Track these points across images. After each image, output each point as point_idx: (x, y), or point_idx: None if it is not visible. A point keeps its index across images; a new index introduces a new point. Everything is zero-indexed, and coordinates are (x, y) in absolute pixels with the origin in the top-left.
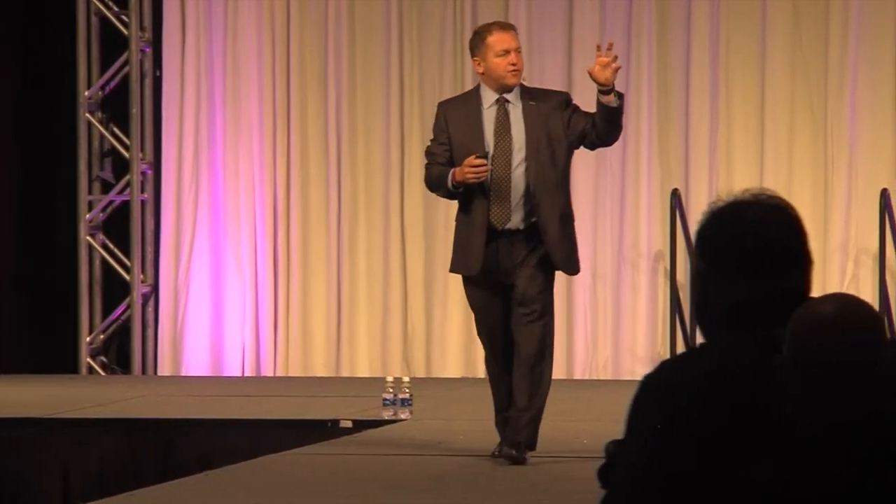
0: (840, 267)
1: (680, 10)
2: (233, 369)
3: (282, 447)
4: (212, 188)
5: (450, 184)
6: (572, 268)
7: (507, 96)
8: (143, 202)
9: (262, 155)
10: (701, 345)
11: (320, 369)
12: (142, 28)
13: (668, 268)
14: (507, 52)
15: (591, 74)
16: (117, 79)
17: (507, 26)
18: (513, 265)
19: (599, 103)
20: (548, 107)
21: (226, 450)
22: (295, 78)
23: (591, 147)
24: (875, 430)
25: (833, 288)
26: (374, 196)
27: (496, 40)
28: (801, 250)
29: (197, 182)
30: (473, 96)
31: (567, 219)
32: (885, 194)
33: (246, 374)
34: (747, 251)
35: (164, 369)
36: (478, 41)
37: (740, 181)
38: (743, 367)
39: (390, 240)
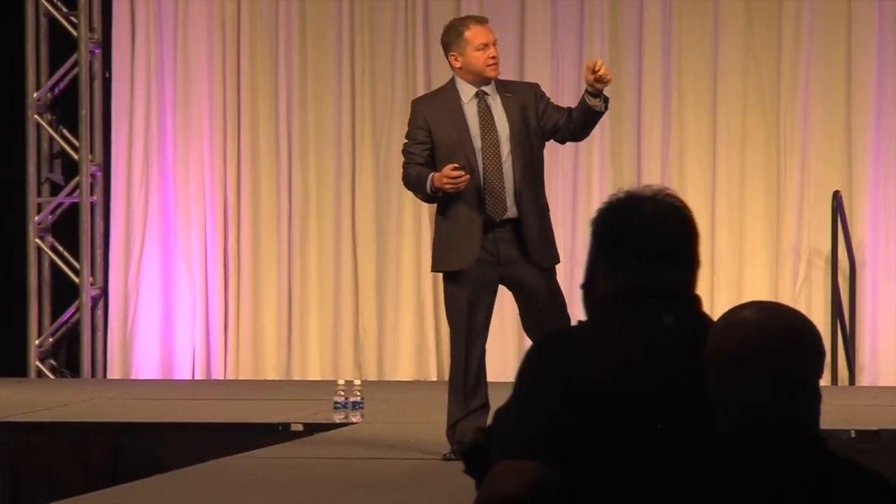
0: (792, 269)
1: (632, 11)
2: (183, 372)
3: (232, 450)
4: (162, 190)
5: (429, 188)
6: (553, 258)
7: (486, 89)
8: (92, 204)
9: (213, 157)
10: (589, 321)
11: (271, 372)
12: (91, 29)
13: None
14: (486, 45)
15: (591, 82)
16: (66, 80)
17: (482, 20)
18: (513, 255)
19: (585, 104)
20: (523, 98)
21: (176, 453)
22: (245, 79)
23: (562, 141)
24: (797, 435)
25: (786, 289)
26: (325, 198)
27: (475, 34)
28: (690, 250)
29: (147, 184)
30: (450, 92)
31: (545, 210)
32: (837, 196)
33: (196, 377)
34: (636, 242)
35: (114, 372)
36: (454, 36)
37: (693, 183)
38: (662, 350)
39: (342, 242)
